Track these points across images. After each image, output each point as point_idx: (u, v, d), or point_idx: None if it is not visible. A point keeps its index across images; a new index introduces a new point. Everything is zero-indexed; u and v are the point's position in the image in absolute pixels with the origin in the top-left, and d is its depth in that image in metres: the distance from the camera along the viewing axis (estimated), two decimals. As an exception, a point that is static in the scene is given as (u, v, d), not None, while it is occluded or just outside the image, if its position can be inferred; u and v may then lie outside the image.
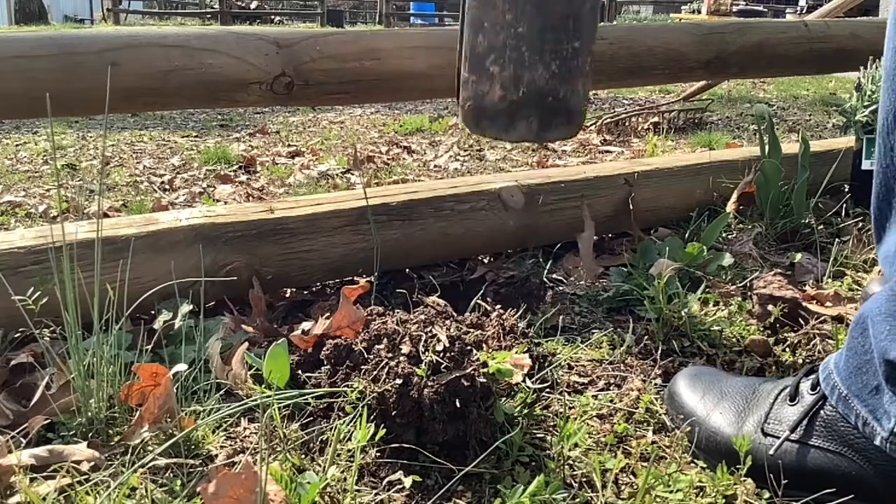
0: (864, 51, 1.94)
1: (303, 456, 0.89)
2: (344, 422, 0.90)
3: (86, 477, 0.83)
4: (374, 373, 0.90)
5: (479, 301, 1.20)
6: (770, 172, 1.68)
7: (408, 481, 0.83)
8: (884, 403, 0.79)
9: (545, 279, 1.42)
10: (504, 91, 1.07)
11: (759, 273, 1.45)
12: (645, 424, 0.99)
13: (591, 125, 3.43)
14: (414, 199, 1.43)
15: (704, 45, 1.81)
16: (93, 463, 0.86)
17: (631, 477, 0.89)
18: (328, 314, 1.10)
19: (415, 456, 0.86)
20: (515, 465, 0.89)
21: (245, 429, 0.96)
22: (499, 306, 1.18)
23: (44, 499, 0.78)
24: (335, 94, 1.42)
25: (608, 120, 3.38)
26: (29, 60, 1.15)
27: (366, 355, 0.94)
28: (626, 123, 3.38)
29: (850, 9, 3.38)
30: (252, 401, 0.95)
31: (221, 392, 1.01)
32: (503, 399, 0.96)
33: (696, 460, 0.93)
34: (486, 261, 1.56)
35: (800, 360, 1.15)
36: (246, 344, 1.08)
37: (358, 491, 0.84)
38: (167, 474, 0.86)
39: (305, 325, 1.13)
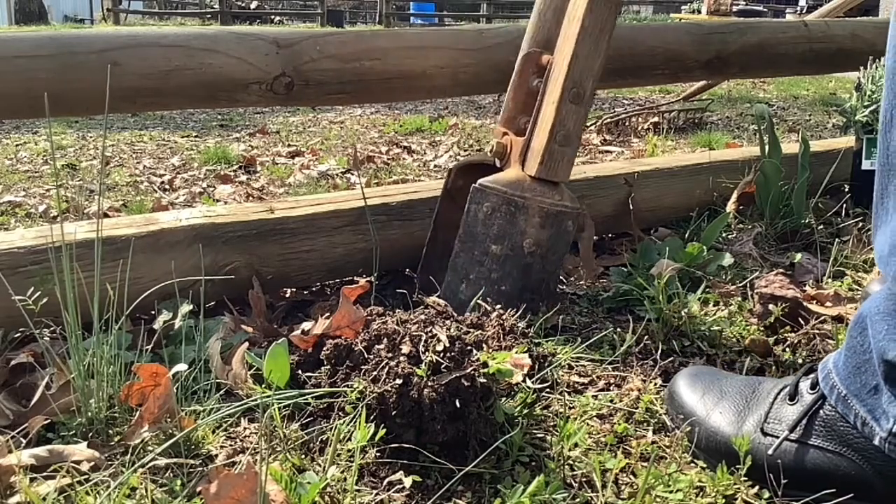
0: (864, 51, 1.94)
1: (303, 456, 0.89)
2: (344, 422, 0.90)
3: (86, 477, 0.83)
4: (374, 373, 0.90)
5: (478, 301, 1.20)
6: (770, 172, 1.68)
7: (408, 481, 0.83)
8: (882, 403, 0.79)
9: (545, 279, 1.42)
10: None
11: (760, 273, 1.45)
12: (645, 424, 0.99)
13: (592, 125, 3.43)
14: (414, 199, 1.43)
15: (704, 45, 1.81)
16: (93, 463, 0.86)
17: (631, 477, 0.89)
18: (328, 314, 1.10)
19: (415, 456, 0.86)
20: (515, 465, 0.89)
21: (245, 429, 0.96)
22: (499, 306, 1.18)
23: (44, 499, 0.78)
24: (335, 94, 1.42)
25: (608, 120, 3.38)
26: (29, 60, 1.15)
27: (366, 355, 0.94)
28: (626, 123, 3.38)
29: (850, 9, 3.38)
30: (252, 401, 0.95)
31: (221, 392, 1.01)
32: (503, 399, 0.96)
33: (696, 460, 0.93)
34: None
35: (800, 360, 1.15)
36: (246, 344, 1.08)
37: (358, 491, 0.84)
38: (167, 474, 0.86)
39: (305, 325, 1.12)
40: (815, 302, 1.29)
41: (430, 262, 1.36)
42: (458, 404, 0.87)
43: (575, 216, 1.25)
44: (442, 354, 0.89)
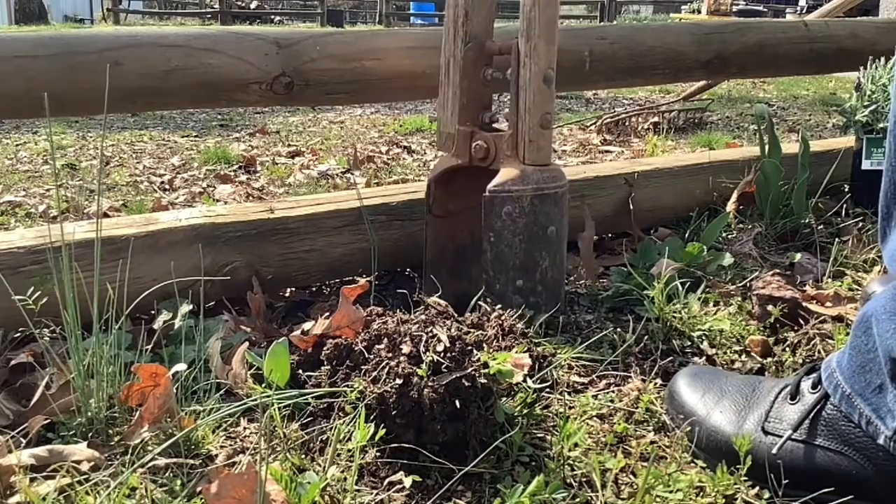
0: (864, 51, 1.94)
1: (303, 456, 0.89)
2: (344, 422, 0.90)
3: (86, 477, 0.83)
4: (375, 373, 0.90)
5: (479, 301, 1.20)
6: (770, 172, 1.68)
7: (408, 481, 0.83)
8: (888, 402, 0.79)
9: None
10: None
11: (759, 273, 1.45)
12: (645, 424, 0.99)
13: (591, 125, 3.44)
14: (414, 199, 1.43)
15: (704, 45, 1.81)
16: (93, 463, 0.86)
17: (631, 477, 0.89)
18: (328, 314, 1.10)
19: (415, 456, 0.86)
20: (515, 464, 0.89)
21: (245, 429, 0.96)
22: (499, 306, 1.18)
23: (44, 499, 0.78)
24: (335, 94, 1.42)
25: (608, 120, 3.38)
26: (29, 60, 1.15)
27: (366, 355, 0.94)
28: (626, 123, 3.38)
29: (850, 9, 3.38)
30: (252, 401, 0.95)
31: (221, 392, 1.01)
32: (503, 399, 0.96)
33: (696, 460, 0.92)
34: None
35: (800, 360, 1.15)
36: (246, 343, 1.08)
37: (358, 491, 0.84)
38: (167, 474, 0.86)
39: (305, 325, 1.12)
40: (814, 302, 1.29)
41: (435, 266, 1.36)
42: (458, 404, 0.87)
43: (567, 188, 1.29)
44: (442, 354, 0.89)
